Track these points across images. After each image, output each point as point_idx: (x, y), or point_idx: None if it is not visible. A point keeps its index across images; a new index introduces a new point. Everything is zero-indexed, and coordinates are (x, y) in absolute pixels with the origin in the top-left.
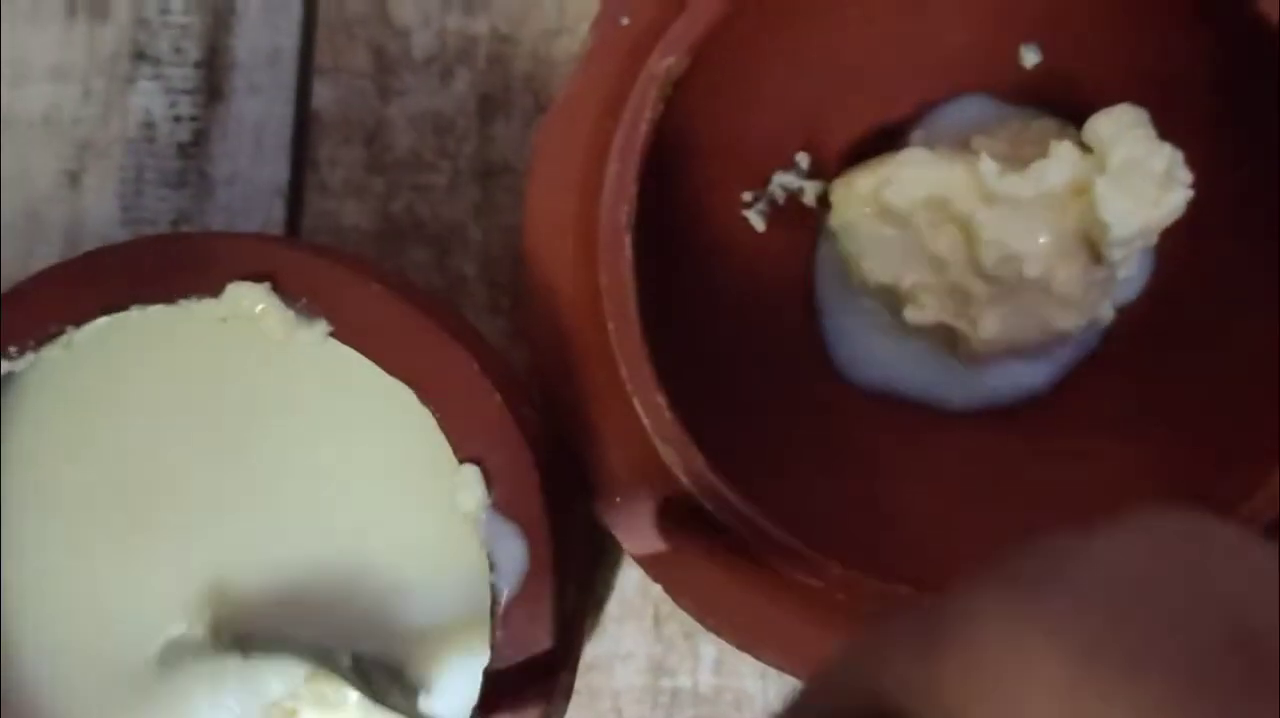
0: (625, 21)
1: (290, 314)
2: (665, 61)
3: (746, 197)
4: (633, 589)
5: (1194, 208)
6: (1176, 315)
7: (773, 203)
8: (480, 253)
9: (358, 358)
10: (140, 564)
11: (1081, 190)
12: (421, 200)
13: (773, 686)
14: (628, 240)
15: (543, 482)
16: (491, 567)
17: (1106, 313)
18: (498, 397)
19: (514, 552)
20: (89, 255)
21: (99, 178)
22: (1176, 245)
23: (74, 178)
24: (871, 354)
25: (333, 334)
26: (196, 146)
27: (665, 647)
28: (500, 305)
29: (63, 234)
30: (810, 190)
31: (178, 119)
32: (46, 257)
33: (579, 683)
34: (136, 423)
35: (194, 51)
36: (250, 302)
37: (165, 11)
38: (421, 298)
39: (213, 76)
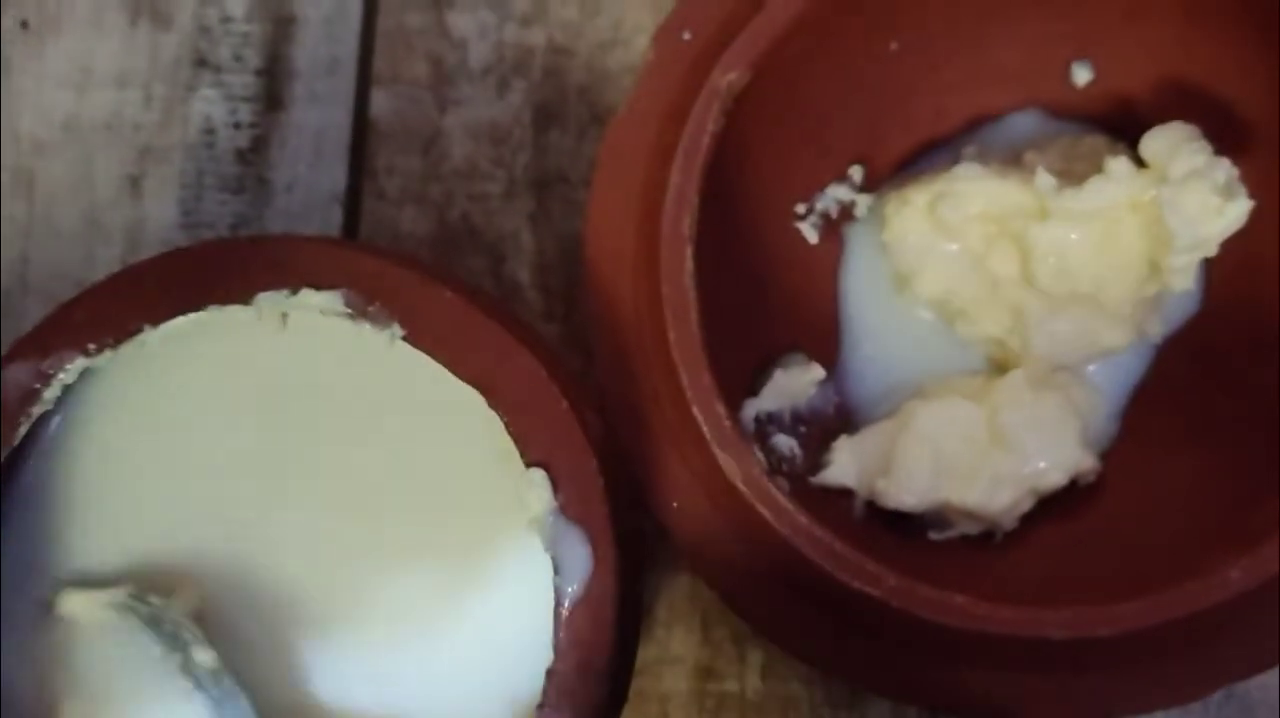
0: (687, 36)
1: (363, 318)
2: (727, 76)
3: (800, 208)
4: (681, 594)
5: (1246, 226)
6: (1228, 333)
7: (825, 215)
8: (535, 261)
9: (426, 361)
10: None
11: (1137, 205)
12: (477, 209)
13: (819, 691)
14: (689, 251)
15: (607, 486)
16: (556, 569)
17: (1155, 330)
18: (564, 402)
19: (578, 555)
20: (167, 255)
21: (160, 183)
22: (1228, 263)
23: (135, 182)
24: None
25: (404, 338)
26: (256, 153)
27: (713, 651)
28: (554, 313)
29: (124, 238)
30: (863, 203)
31: (238, 126)
32: (108, 260)
33: None
34: (208, 422)
35: (254, 59)
36: (324, 304)
37: (227, 20)
38: (489, 304)
39: (273, 84)
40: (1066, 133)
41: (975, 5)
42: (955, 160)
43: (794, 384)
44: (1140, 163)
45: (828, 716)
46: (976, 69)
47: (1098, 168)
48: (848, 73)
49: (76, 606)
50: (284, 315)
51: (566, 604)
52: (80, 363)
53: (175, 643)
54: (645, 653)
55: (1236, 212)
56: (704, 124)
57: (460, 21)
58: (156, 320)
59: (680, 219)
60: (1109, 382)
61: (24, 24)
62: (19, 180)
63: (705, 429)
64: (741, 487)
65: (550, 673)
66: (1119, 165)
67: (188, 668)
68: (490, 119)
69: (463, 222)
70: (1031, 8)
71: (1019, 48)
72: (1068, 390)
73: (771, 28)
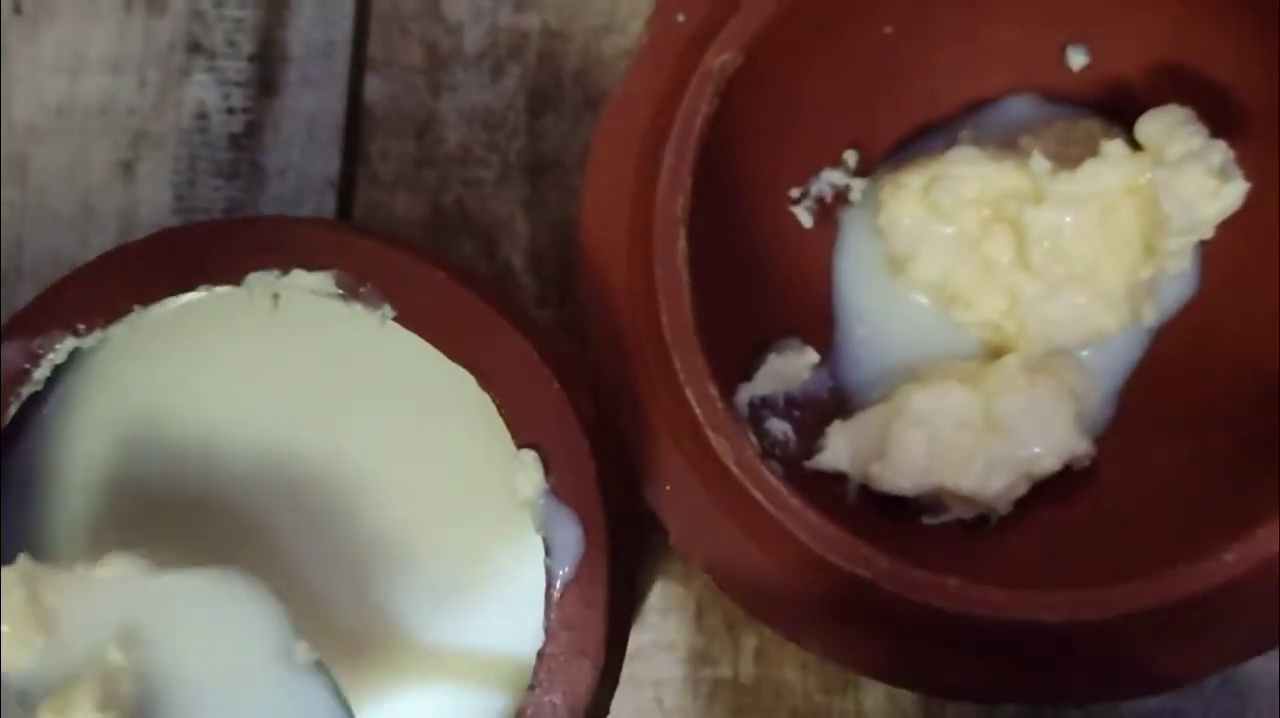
0: (681, 19)
1: (355, 298)
2: (720, 58)
3: (794, 193)
4: (675, 579)
5: (1241, 209)
6: (1224, 317)
7: (820, 199)
8: (529, 246)
9: (418, 343)
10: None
11: (1133, 188)
12: (471, 193)
13: (813, 676)
14: (682, 233)
15: (599, 468)
16: (547, 551)
17: (1150, 313)
18: (556, 384)
19: (569, 536)
20: (157, 236)
21: (153, 167)
22: (1223, 246)
23: (128, 167)
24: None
25: (396, 319)
26: (249, 138)
27: (707, 637)
28: (548, 297)
29: (117, 222)
30: (857, 188)
31: (231, 111)
32: (101, 244)
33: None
34: (199, 401)
35: (248, 45)
36: (316, 285)
37: (220, 5)
38: (481, 286)
39: (266, 69)
40: (1061, 117)
41: None
42: (950, 144)
43: (788, 368)
44: (1135, 146)
45: (821, 701)
46: (971, 53)
47: (1093, 151)
48: (842, 56)
49: (128, 569)
50: (275, 296)
51: (558, 586)
52: (70, 343)
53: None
54: (639, 638)
55: (1232, 194)
56: (697, 106)
57: (455, 6)
58: (147, 301)
59: (673, 201)
60: (1104, 366)
61: (18, 8)
62: (13, 165)
63: (698, 412)
64: (735, 469)
65: (541, 655)
66: (1114, 148)
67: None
68: (484, 104)
69: (457, 207)
70: None
71: (1014, 31)
72: (1063, 375)
73: (766, 10)
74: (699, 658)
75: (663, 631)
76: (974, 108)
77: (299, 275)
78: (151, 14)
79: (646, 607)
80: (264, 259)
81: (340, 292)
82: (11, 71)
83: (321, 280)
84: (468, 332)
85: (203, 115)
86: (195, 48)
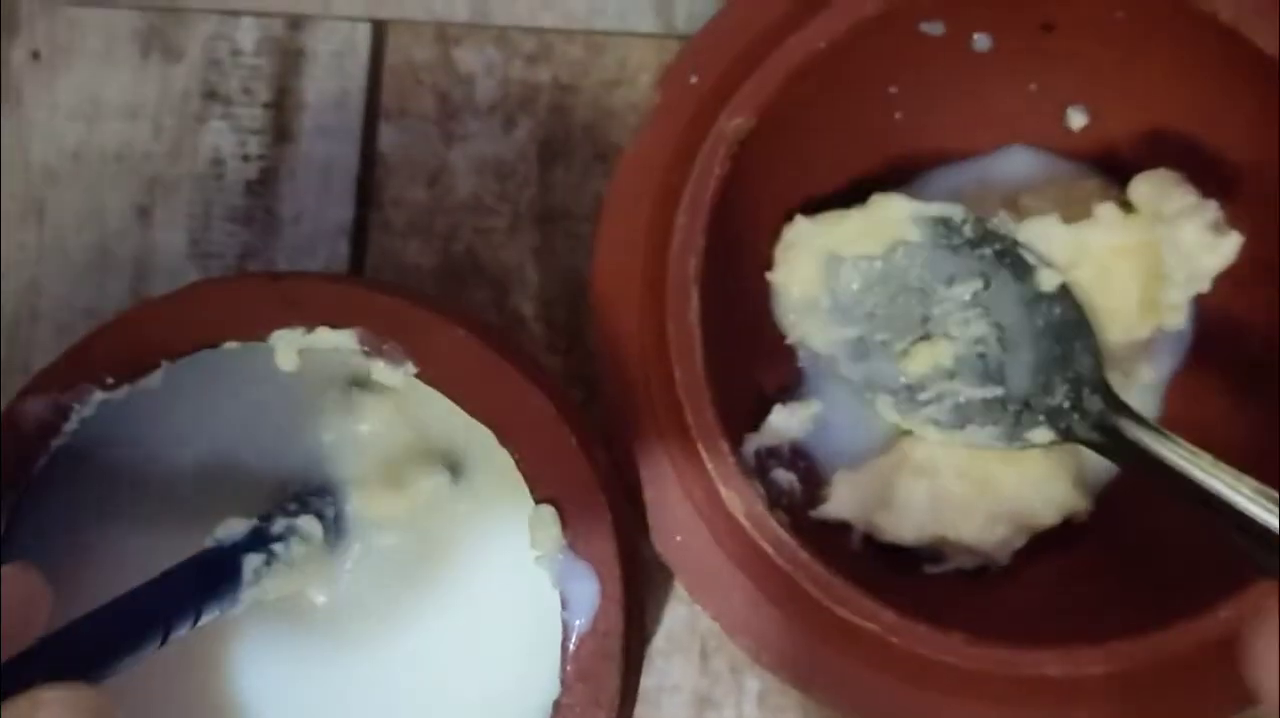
0: (694, 80)
1: (377, 355)
2: (734, 121)
3: None
4: (681, 624)
5: (1230, 266)
6: (1217, 373)
7: None
8: (538, 294)
9: (437, 398)
10: None
11: (1126, 249)
12: (482, 242)
13: None
14: (695, 292)
15: (615, 522)
16: (564, 604)
17: (1148, 373)
18: (573, 440)
19: (586, 590)
20: (184, 291)
21: (168, 213)
22: (1214, 304)
23: (144, 212)
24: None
25: (417, 376)
26: (264, 185)
27: (711, 680)
28: (557, 346)
29: (133, 267)
30: None
31: (246, 158)
32: (117, 289)
33: None
34: (219, 458)
35: (263, 92)
36: (339, 342)
37: (236, 53)
38: (500, 342)
39: (281, 117)
40: (1063, 173)
41: (972, 52)
42: (947, 197)
43: (793, 420)
44: (1128, 206)
45: None
46: (974, 111)
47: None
48: (848, 115)
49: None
50: (299, 353)
51: (574, 638)
52: (99, 397)
53: None
54: (645, 682)
55: (1229, 246)
56: (711, 168)
57: (467, 58)
58: (174, 356)
59: (686, 261)
60: None
61: (35, 55)
62: (30, 209)
63: (709, 464)
64: (744, 521)
65: (558, 706)
66: (1106, 211)
67: None
68: (495, 154)
69: (467, 255)
70: (1027, 56)
71: (1016, 92)
72: None
73: (778, 73)
74: (704, 702)
75: (669, 674)
76: (975, 158)
77: (323, 333)
78: (168, 61)
79: (653, 651)
80: (288, 316)
81: (364, 349)
82: (29, 117)
83: (345, 338)
84: (488, 388)
85: (218, 161)
86: (211, 95)
